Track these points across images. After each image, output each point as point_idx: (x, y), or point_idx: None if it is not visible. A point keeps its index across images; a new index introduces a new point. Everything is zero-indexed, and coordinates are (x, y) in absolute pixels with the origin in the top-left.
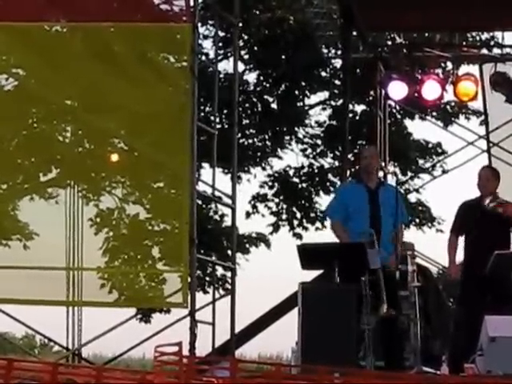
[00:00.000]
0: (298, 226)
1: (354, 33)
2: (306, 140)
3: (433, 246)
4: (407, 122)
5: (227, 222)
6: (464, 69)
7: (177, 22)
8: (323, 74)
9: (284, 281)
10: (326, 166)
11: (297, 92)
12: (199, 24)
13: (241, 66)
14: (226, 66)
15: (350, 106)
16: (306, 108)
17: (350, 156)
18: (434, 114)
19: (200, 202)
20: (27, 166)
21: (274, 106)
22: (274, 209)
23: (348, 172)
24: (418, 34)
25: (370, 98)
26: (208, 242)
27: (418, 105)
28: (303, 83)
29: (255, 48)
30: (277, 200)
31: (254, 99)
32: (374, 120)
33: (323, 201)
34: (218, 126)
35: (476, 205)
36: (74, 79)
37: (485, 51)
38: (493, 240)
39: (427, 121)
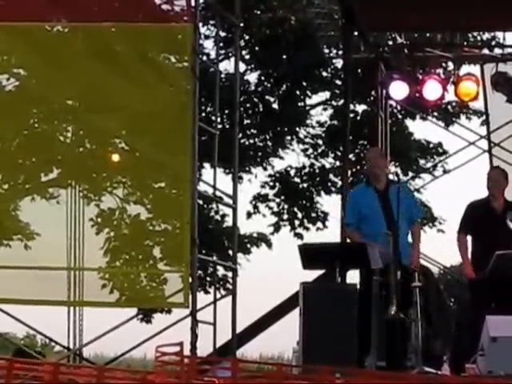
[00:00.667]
0: (299, 226)
1: (355, 33)
2: (307, 140)
3: (434, 246)
4: (408, 122)
5: (228, 222)
6: (465, 69)
7: (178, 22)
8: (324, 74)
9: (285, 281)
10: (327, 166)
11: (298, 92)
12: (200, 24)
13: (242, 66)
14: (227, 66)
15: (351, 106)
16: (307, 108)
17: (351, 156)
18: (435, 114)
19: (201, 202)
20: (28, 166)
21: (275, 106)
22: (275, 209)
23: (349, 172)
24: (419, 34)
25: (371, 98)
26: (209, 242)
27: (419, 105)
28: (304, 83)
29: (256, 48)
30: (278, 200)
31: (255, 99)
32: (375, 120)
33: (324, 201)
34: (219, 126)
35: (483, 205)
36: (76, 79)
37: (486, 51)
38: (500, 241)
39: (428, 121)
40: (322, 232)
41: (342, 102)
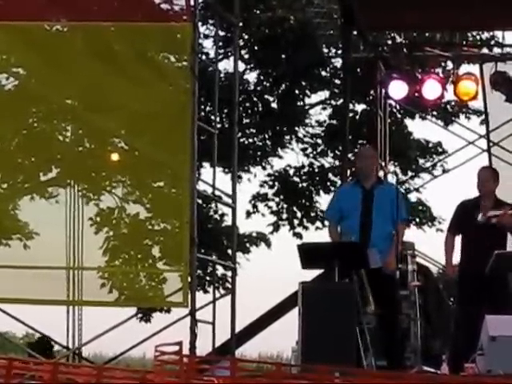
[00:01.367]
0: (298, 225)
1: (355, 32)
2: (306, 139)
3: (433, 246)
4: (407, 121)
5: (227, 221)
6: (464, 68)
7: (177, 22)
8: (323, 73)
9: (284, 280)
10: (327, 165)
11: (297, 91)
12: (199, 23)
13: (241, 66)
14: (226, 66)
15: (351, 106)
16: (307, 107)
17: (350, 155)
18: (435, 113)
19: (200, 202)
20: (27, 166)
21: (274, 105)
22: (275, 208)
23: (348, 171)
24: (418, 34)
25: (371, 98)
26: (208, 242)
27: (419, 104)
28: (303, 82)
29: (255, 47)
30: (277, 199)
31: (255, 98)
32: (374, 119)
33: (323, 200)
34: (219, 126)
35: (474, 205)
36: (75, 79)
37: (485, 50)
38: (490, 240)
39: (427, 120)
40: (321, 231)
41: (341, 101)
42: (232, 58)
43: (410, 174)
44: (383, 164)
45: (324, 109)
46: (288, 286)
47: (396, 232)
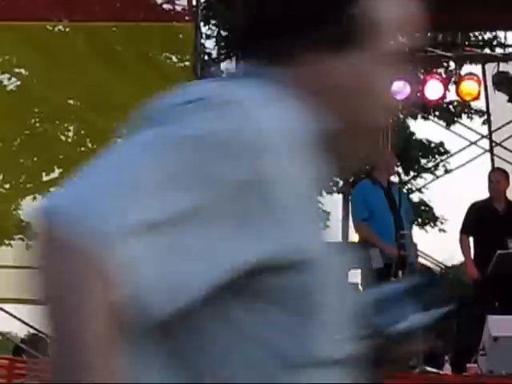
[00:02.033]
0: None
1: None
2: None
3: (435, 246)
4: (410, 121)
5: None
6: (466, 68)
7: (179, 22)
8: None
9: None
10: None
11: None
12: (201, 23)
13: None
14: (228, 66)
15: None
16: None
17: None
18: (437, 113)
19: None
20: (30, 166)
21: None
22: None
23: None
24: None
25: None
26: None
27: (421, 104)
28: None
29: None
30: None
31: None
32: None
33: (325, 200)
34: None
35: (486, 206)
36: (77, 79)
37: (487, 51)
38: (503, 242)
39: (430, 120)
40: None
41: None
42: (234, 59)
43: (412, 174)
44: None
45: None
46: None
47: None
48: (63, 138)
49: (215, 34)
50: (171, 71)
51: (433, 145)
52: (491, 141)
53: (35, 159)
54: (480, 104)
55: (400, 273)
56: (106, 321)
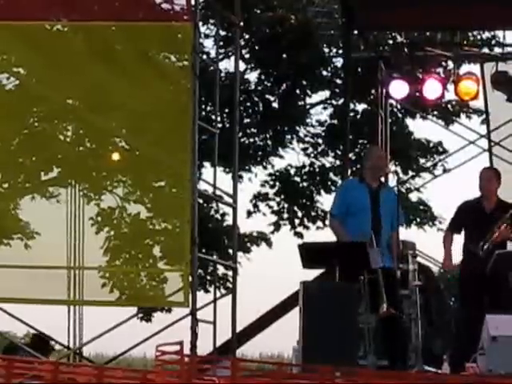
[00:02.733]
0: (299, 225)
1: (355, 32)
2: (307, 139)
3: (434, 245)
4: (408, 121)
5: (228, 221)
6: (465, 68)
7: (178, 21)
8: (324, 73)
9: (285, 280)
10: (328, 165)
11: (298, 91)
12: (200, 23)
13: (242, 65)
14: (227, 65)
15: (351, 105)
16: (307, 107)
17: (351, 155)
18: (435, 113)
19: (201, 201)
20: (28, 165)
21: (275, 105)
22: (275, 208)
23: (349, 171)
24: (419, 33)
25: (371, 97)
26: (209, 241)
27: (419, 104)
28: (304, 82)
29: (256, 47)
30: (278, 199)
31: (255, 98)
32: (375, 119)
33: (324, 200)
34: (219, 125)
35: (476, 205)
36: (75, 78)
37: (486, 50)
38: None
39: (428, 120)
40: (322, 231)
41: (341, 101)
42: (233, 58)
43: (410, 173)
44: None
45: (325, 108)
46: (289, 285)
47: (394, 234)
48: (62, 137)
49: (214, 33)
50: (170, 71)
51: (431, 144)
52: (490, 140)
53: (34, 159)
54: (478, 103)
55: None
56: None
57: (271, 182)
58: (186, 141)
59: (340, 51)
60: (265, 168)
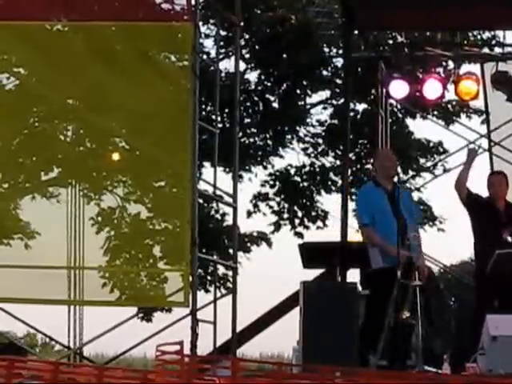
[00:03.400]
0: (299, 224)
1: (356, 32)
2: (307, 139)
3: (434, 245)
4: (408, 120)
5: (228, 220)
6: (465, 68)
7: (178, 21)
8: (324, 72)
9: (285, 280)
10: (328, 164)
11: (298, 91)
12: (200, 23)
13: (242, 65)
14: (227, 65)
15: (352, 105)
16: (308, 107)
17: (351, 155)
18: (436, 112)
19: (201, 201)
20: (28, 165)
21: (275, 104)
22: (276, 208)
23: (349, 171)
24: (419, 33)
25: (372, 97)
26: (209, 241)
27: (420, 104)
28: (304, 82)
29: (256, 47)
30: (278, 199)
31: (256, 98)
32: (375, 119)
33: (324, 200)
34: (220, 125)
35: (488, 205)
36: (76, 78)
37: (486, 50)
38: (505, 241)
39: (428, 120)
40: (322, 231)
41: (342, 100)
42: (233, 58)
43: (411, 173)
44: None
45: (325, 108)
46: (289, 285)
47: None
48: (62, 137)
49: (214, 33)
50: (170, 71)
51: (431, 144)
52: (490, 140)
53: (34, 159)
54: (479, 103)
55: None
56: None
57: (271, 182)
58: (186, 141)
59: (340, 51)
60: (265, 168)
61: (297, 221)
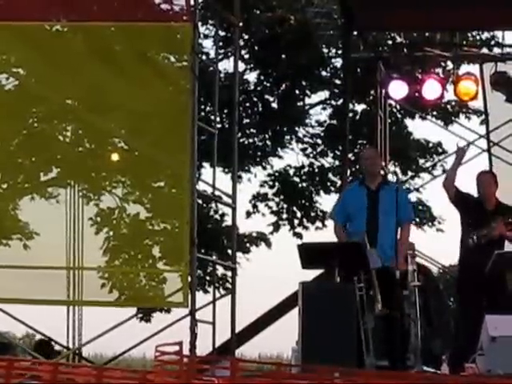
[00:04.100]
0: (298, 225)
1: (355, 32)
2: (306, 139)
3: (433, 246)
4: (407, 121)
5: (227, 221)
6: (464, 68)
7: (177, 22)
8: (323, 73)
9: (284, 280)
10: (327, 165)
11: (297, 91)
12: (199, 23)
13: (241, 66)
14: (226, 66)
15: (351, 106)
16: (307, 107)
17: (350, 155)
18: (435, 113)
19: (200, 202)
20: (28, 166)
21: (274, 105)
22: (275, 208)
23: (348, 171)
24: (418, 34)
25: (371, 98)
26: (208, 242)
27: (419, 104)
28: (303, 83)
29: (256, 47)
30: (277, 199)
31: (255, 99)
32: (374, 119)
33: (323, 200)
34: (219, 126)
35: (477, 204)
36: (75, 79)
37: (485, 50)
38: (490, 241)
39: (427, 120)
40: (321, 231)
41: (341, 101)
42: (232, 58)
43: (410, 174)
44: (383, 164)
45: (324, 109)
46: (288, 285)
47: (401, 232)
48: (61, 137)
49: (213, 33)
50: (169, 71)
51: (431, 145)
52: (489, 141)
53: (33, 159)
54: (478, 104)
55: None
56: None
57: (270, 183)
58: (185, 141)
59: (339, 51)
60: (264, 168)
61: (296, 221)
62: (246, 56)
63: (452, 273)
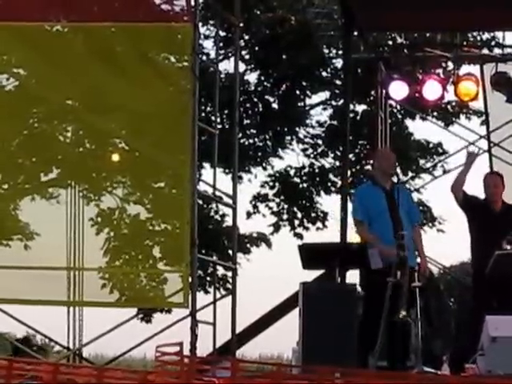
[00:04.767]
0: (298, 225)
1: (355, 33)
2: (306, 140)
3: (434, 246)
4: (408, 121)
5: (228, 221)
6: (465, 69)
7: (178, 22)
8: (324, 73)
9: (285, 281)
10: (327, 165)
11: (298, 92)
12: (200, 24)
13: (242, 66)
14: (226, 66)
15: (351, 106)
16: (307, 108)
17: (350, 156)
18: (435, 113)
19: (201, 202)
20: (28, 166)
21: (274, 105)
22: (275, 209)
23: (349, 172)
24: (418, 34)
25: (371, 98)
26: (209, 242)
27: (419, 105)
28: (304, 83)
29: (256, 48)
30: (278, 200)
31: (255, 99)
32: (374, 120)
33: (324, 201)
34: (219, 126)
35: (484, 207)
36: (75, 79)
37: (486, 51)
38: (498, 242)
39: (428, 121)
40: (321, 232)
41: (341, 101)
42: (232, 59)
43: (410, 174)
44: None
45: (325, 109)
46: (289, 286)
47: (415, 234)
48: (62, 138)
49: (214, 34)
50: (170, 71)
51: (431, 145)
52: (489, 141)
53: (33, 159)
54: (478, 104)
55: (399, 273)
56: None
57: (271, 183)
58: (185, 142)
59: (340, 52)
60: (264, 169)
61: (296, 222)
62: (247, 56)
63: (453, 273)
